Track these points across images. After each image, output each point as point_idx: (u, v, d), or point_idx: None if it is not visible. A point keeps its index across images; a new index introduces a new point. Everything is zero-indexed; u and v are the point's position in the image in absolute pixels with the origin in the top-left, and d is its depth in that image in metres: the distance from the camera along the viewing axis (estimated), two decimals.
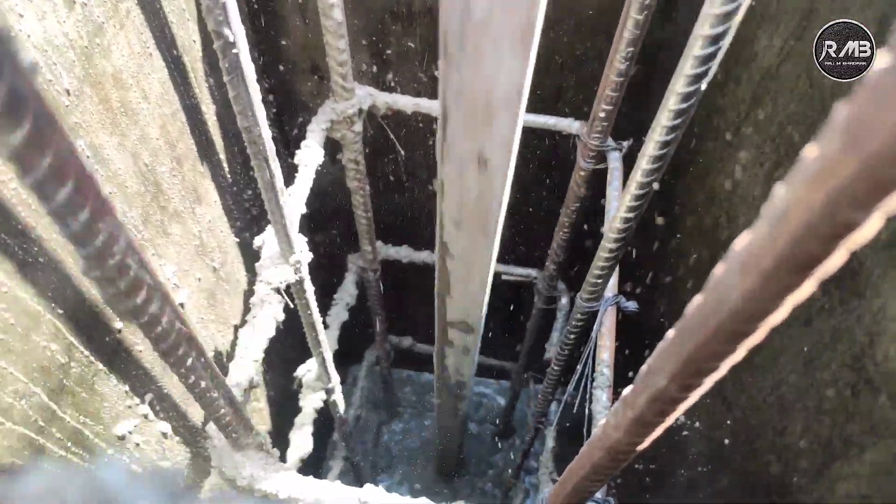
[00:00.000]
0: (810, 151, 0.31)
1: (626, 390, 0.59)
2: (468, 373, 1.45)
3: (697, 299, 0.43)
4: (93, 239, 0.50)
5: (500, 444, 3.26)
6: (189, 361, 0.70)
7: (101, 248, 0.51)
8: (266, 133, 0.84)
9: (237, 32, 0.64)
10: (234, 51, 0.67)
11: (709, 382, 0.47)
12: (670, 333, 0.47)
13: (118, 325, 1.17)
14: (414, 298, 2.98)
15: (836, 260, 0.32)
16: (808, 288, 0.35)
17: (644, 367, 0.53)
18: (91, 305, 1.10)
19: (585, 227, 2.06)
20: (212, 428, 1.08)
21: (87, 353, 1.10)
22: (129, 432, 1.23)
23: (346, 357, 3.36)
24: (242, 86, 0.70)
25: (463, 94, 0.69)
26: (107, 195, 0.50)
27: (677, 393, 0.49)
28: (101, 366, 1.14)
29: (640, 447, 0.61)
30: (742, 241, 0.37)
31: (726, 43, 0.79)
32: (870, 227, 0.30)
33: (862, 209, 0.29)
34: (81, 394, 1.09)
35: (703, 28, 0.72)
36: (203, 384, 0.77)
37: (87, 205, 0.48)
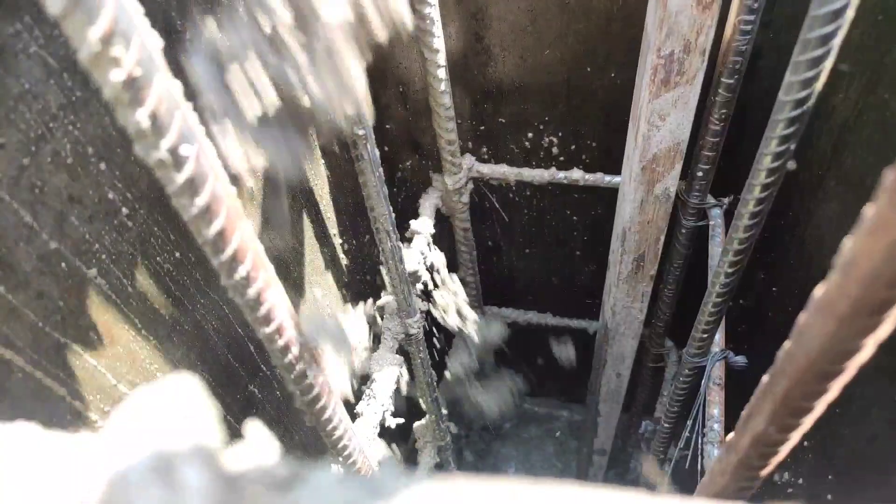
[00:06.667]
0: (869, 209, 0.36)
1: (730, 435, 0.62)
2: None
3: (787, 344, 0.47)
4: (259, 305, 0.62)
5: None
6: (328, 412, 0.80)
7: (266, 313, 0.62)
8: (388, 209, 0.95)
9: (368, 129, 0.76)
10: (365, 142, 0.79)
11: (807, 422, 0.50)
12: (765, 377, 0.51)
13: (251, 387, 1.31)
14: (520, 356, 3.01)
15: None
16: (885, 330, 0.39)
17: (744, 411, 0.56)
18: (227, 366, 1.24)
19: (691, 282, 2.05)
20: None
21: (222, 409, 1.23)
22: None
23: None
24: (370, 171, 0.82)
25: None
26: (271, 270, 0.61)
27: (777, 434, 0.52)
28: (233, 422, 1.27)
29: (747, 493, 0.63)
30: (819, 290, 0.41)
31: (810, 104, 0.83)
32: None
33: None
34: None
35: (789, 94, 0.77)
36: (338, 433, 0.86)
37: (258, 278, 0.59)
